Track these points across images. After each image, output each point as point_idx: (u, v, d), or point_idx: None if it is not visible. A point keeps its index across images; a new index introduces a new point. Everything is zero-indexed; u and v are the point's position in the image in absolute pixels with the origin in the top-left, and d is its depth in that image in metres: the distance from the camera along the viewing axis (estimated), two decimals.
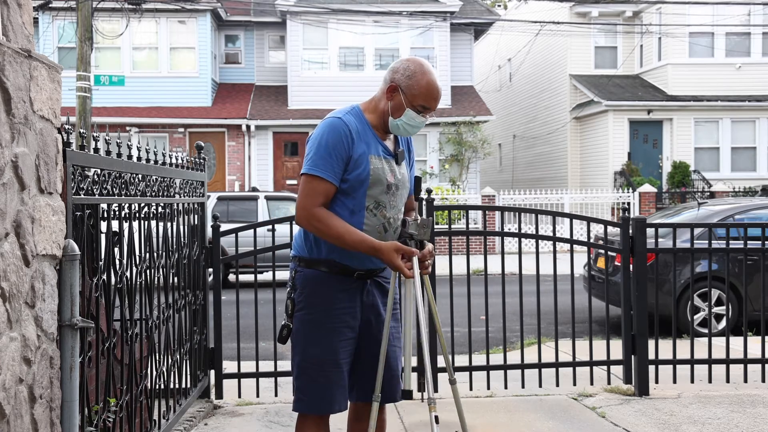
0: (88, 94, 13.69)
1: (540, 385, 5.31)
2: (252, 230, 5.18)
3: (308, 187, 2.77)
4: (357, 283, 2.89)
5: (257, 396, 5.12)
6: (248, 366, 5.36)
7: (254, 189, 15.94)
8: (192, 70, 21.32)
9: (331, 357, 2.81)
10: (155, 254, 3.83)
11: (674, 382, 5.40)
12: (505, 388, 5.23)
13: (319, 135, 2.81)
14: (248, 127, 20.78)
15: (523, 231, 9.35)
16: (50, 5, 19.32)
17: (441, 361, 5.10)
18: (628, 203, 19.16)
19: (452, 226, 5.17)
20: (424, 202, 5.09)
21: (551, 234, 6.47)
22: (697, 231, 7.07)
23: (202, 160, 4.97)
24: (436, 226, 10.46)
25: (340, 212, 2.80)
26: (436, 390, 5.13)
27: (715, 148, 21.82)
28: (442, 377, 5.07)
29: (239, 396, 5.12)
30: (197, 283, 4.81)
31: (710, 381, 5.46)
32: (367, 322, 2.91)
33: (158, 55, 21.26)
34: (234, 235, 5.26)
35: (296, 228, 3.12)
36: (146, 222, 3.67)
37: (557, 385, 5.34)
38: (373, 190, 2.83)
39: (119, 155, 3.25)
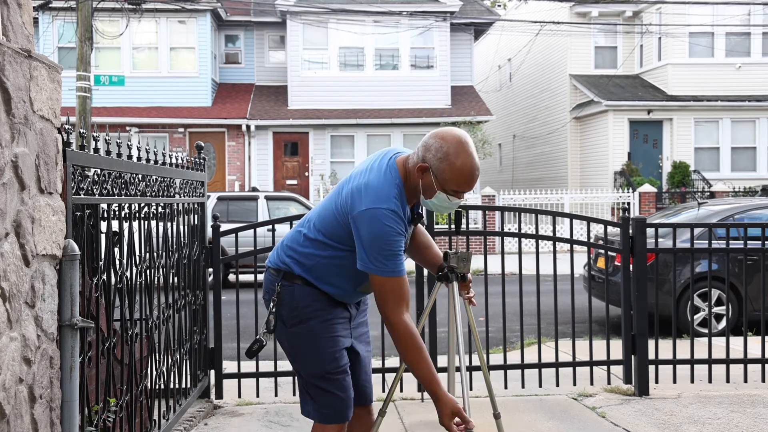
0: (88, 94, 13.69)
1: (540, 385, 5.31)
2: (252, 230, 5.18)
3: (390, 291, 2.59)
4: None
5: (257, 396, 5.12)
6: (248, 366, 5.36)
7: (254, 189, 15.94)
8: (192, 70, 21.32)
9: (338, 365, 2.78)
10: (155, 254, 3.83)
11: (674, 382, 5.41)
12: (505, 388, 5.23)
13: (380, 230, 2.55)
14: (248, 127, 20.77)
15: (523, 231, 9.34)
16: (50, 5, 19.32)
17: (441, 361, 5.10)
18: (628, 203, 19.15)
19: (452, 227, 5.17)
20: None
21: (551, 234, 6.47)
22: (697, 231, 7.07)
23: (202, 160, 4.97)
24: (435, 227, 10.45)
25: (340, 272, 2.72)
26: None
27: (715, 148, 21.82)
28: (441, 377, 5.06)
29: (239, 396, 5.12)
30: (197, 283, 4.81)
31: (710, 381, 5.46)
32: (353, 331, 2.92)
33: (158, 55, 21.26)
34: (234, 235, 5.26)
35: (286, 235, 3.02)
36: (146, 222, 3.68)
37: (557, 385, 5.34)
38: None
39: (119, 155, 3.25)
